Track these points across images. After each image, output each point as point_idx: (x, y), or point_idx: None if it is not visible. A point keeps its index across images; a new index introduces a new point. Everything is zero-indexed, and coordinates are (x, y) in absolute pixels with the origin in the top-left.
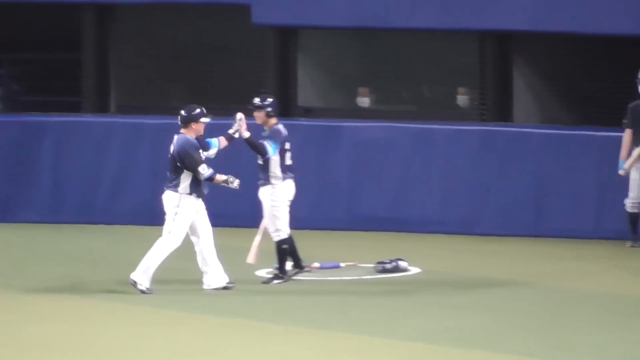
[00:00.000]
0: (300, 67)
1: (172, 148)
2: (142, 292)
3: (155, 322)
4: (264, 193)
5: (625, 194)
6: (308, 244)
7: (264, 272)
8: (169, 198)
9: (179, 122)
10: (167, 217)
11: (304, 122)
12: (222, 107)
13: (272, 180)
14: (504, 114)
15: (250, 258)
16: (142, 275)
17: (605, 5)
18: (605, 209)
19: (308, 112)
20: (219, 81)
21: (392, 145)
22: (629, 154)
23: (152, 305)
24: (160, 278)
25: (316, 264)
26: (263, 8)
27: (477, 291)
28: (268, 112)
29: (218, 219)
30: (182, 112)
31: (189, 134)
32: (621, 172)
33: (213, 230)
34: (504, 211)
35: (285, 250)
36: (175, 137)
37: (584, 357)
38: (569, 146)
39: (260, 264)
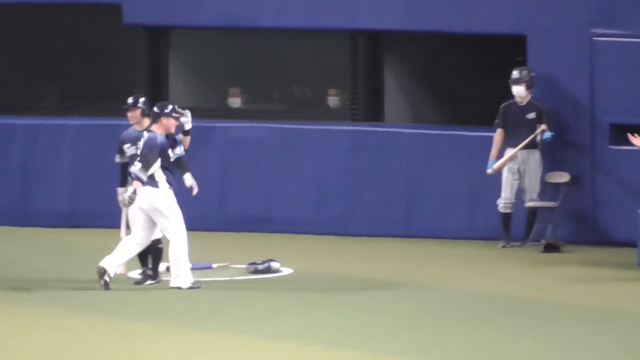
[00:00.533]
0: (171, 67)
1: (141, 143)
2: (179, 288)
3: (26, 322)
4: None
5: (496, 194)
6: None
7: (137, 273)
8: (154, 196)
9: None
10: (157, 215)
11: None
12: (94, 107)
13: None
14: (375, 113)
15: (120, 268)
16: (181, 274)
17: (477, 4)
18: (477, 209)
19: None
20: (90, 81)
21: (264, 146)
22: (500, 154)
23: (24, 305)
24: (37, 277)
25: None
26: (134, 8)
27: (350, 291)
28: (143, 110)
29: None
30: (154, 108)
31: (159, 130)
32: (489, 171)
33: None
34: (375, 211)
35: (160, 250)
36: (145, 133)
37: (456, 357)
38: (439, 146)
39: (132, 264)
